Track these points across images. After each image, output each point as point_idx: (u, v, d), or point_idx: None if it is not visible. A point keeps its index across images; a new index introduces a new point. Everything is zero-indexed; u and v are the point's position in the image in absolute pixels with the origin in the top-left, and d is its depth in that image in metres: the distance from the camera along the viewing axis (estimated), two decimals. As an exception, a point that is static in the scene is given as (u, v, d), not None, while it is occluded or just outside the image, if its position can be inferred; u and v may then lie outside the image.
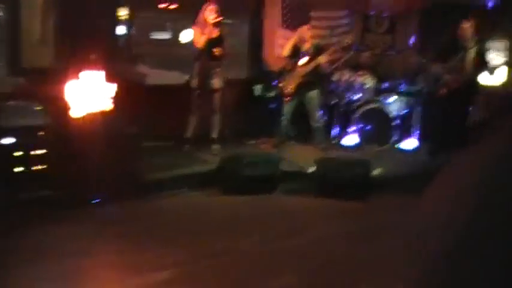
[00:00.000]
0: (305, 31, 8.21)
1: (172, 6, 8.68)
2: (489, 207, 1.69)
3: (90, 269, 4.35)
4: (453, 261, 1.85)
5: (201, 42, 7.17)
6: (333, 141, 8.55)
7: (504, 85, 8.94)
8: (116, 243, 4.81)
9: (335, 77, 8.78)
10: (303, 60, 7.99)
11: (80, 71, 5.49)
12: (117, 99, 5.73)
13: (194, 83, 7.34)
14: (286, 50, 8.29)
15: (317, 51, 8.06)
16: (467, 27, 7.29)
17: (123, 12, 7.79)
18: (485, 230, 1.78)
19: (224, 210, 5.99)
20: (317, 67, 7.98)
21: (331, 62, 8.61)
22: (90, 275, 4.31)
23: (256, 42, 9.33)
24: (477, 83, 7.64)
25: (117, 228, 5.17)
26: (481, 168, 1.94)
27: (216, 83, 7.37)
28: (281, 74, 8.01)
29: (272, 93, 8.54)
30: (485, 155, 1.99)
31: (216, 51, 7.23)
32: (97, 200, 5.65)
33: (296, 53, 8.07)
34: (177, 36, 8.78)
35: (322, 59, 7.88)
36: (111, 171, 5.74)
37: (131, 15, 8.04)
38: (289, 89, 7.92)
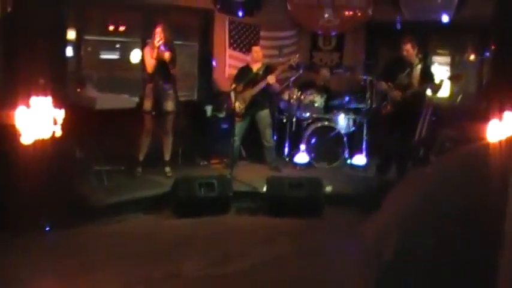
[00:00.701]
0: (257, 51, 8.33)
1: (121, 29, 8.66)
2: (408, 241, 1.82)
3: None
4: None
5: (150, 66, 7.16)
6: (285, 160, 8.64)
7: (449, 99, 9.24)
8: (58, 269, 4.71)
9: (285, 96, 8.90)
10: (253, 81, 8.07)
11: (29, 96, 5.41)
12: (66, 124, 5.66)
13: (147, 105, 7.29)
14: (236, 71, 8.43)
15: (267, 71, 8.17)
16: (410, 46, 7.50)
17: (71, 35, 7.74)
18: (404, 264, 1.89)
19: (175, 233, 5.94)
20: (267, 87, 8.09)
21: (281, 81, 8.75)
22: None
23: (206, 63, 9.37)
24: (423, 98, 7.86)
25: (64, 253, 5.11)
26: (406, 206, 2.03)
27: (169, 105, 7.34)
28: (231, 94, 8.05)
29: (223, 114, 8.59)
30: (411, 194, 2.09)
31: (172, 70, 7.22)
32: (46, 226, 5.56)
33: (246, 74, 8.16)
34: (126, 58, 8.78)
35: (271, 79, 7.99)
36: (61, 196, 5.66)
37: (79, 38, 7.99)
38: (239, 109, 7.98)
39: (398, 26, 9.26)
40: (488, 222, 1.82)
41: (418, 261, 1.91)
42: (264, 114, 8.26)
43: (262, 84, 8.06)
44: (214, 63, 9.36)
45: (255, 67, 8.25)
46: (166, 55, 7.08)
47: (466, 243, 1.83)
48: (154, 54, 7.08)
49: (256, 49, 8.41)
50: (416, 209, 2.05)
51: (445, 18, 8.95)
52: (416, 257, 1.91)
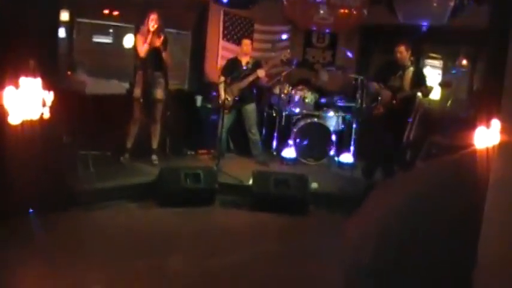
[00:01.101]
0: (246, 44, 8.30)
1: (115, 13, 8.59)
2: (389, 241, 1.82)
3: (16, 282, 4.24)
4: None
5: (143, 51, 7.11)
6: (272, 154, 8.64)
7: (439, 103, 9.27)
8: (40, 256, 4.68)
9: (276, 91, 8.89)
10: (241, 74, 8.05)
11: (18, 77, 5.35)
12: (54, 107, 5.61)
13: (137, 92, 7.25)
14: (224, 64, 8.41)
15: (256, 65, 8.17)
16: (404, 48, 7.51)
17: (63, 17, 7.66)
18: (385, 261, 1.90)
19: (159, 224, 5.92)
20: (255, 81, 8.08)
21: (272, 76, 8.75)
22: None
23: (198, 53, 9.33)
24: (414, 101, 7.90)
25: (48, 240, 5.07)
26: (387, 209, 2.04)
27: (159, 93, 7.32)
28: (220, 86, 8.02)
29: (213, 105, 8.57)
30: (393, 196, 2.10)
31: (165, 57, 7.18)
32: (30, 210, 5.52)
33: (235, 67, 8.13)
34: (119, 44, 8.71)
35: (261, 72, 7.99)
36: (46, 179, 5.62)
37: (72, 20, 7.91)
38: (227, 102, 7.95)
39: (392, 29, 9.28)
40: (471, 228, 1.82)
41: (397, 264, 1.91)
42: (251, 108, 8.27)
43: (251, 78, 8.06)
44: (207, 53, 9.32)
45: (244, 60, 8.25)
46: (159, 41, 7.06)
47: (447, 247, 1.84)
48: (148, 40, 7.05)
49: (246, 42, 8.38)
50: (397, 212, 2.05)
51: (439, 23, 8.96)
52: (395, 260, 1.92)
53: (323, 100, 9.19)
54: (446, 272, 1.82)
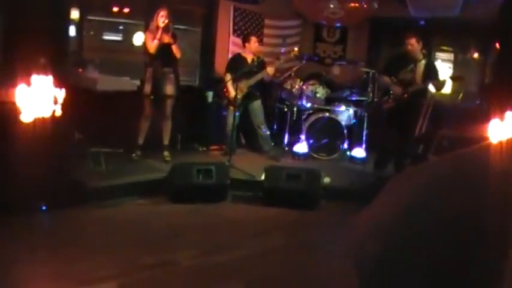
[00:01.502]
0: (255, 41, 8.28)
1: (125, 10, 8.61)
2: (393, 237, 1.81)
3: (27, 278, 4.26)
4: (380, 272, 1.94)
5: (153, 47, 7.12)
6: (284, 149, 8.63)
7: (450, 97, 9.22)
8: (52, 252, 4.68)
9: (287, 86, 8.88)
10: (249, 71, 8.04)
11: (29, 75, 5.38)
12: (66, 104, 5.64)
13: (147, 89, 7.26)
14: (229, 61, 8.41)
15: (262, 62, 8.17)
16: (415, 40, 7.46)
17: (73, 15, 7.69)
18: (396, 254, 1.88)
19: (171, 219, 5.91)
20: (262, 79, 8.09)
21: (283, 71, 8.74)
22: (25, 284, 4.22)
23: (208, 49, 9.34)
24: (425, 95, 7.85)
25: (59, 236, 5.09)
26: (396, 204, 2.02)
27: (169, 89, 7.32)
28: (228, 83, 8.03)
29: (224, 100, 8.58)
30: (403, 191, 2.08)
31: (175, 50, 7.19)
32: (43, 207, 5.56)
33: (240, 63, 8.14)
34: (128, 41, 8.74)
35: (271, 70, 8.01)
36: (58, 176, 5.66)
37: (82, 18, 7.94)
38: (236, 99, 7.93)
39: (403, 22, 9.24)
40: (483, 227, 1.79)
41: (404, 262, 1.89)
42: (257, 105, 8.29)
43: (260, 76, 8.06)
44: (217, 49, 9.33)
45: (249, 57, 8.24)
46: (168, 38, 7.08)
47: (455, 247, 1.81)
48: (158, 35, 7.05)
49: (254, 39, 8.33)
50: (407, 208, 2.03)
51: (450, 15, 8.91)
52: (401, 258, 1.90)
53: (334, 94, 9.17)
54: (449, 270, 1.79)
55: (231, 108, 7.99)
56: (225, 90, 8.12)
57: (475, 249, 1.71)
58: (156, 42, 7.08)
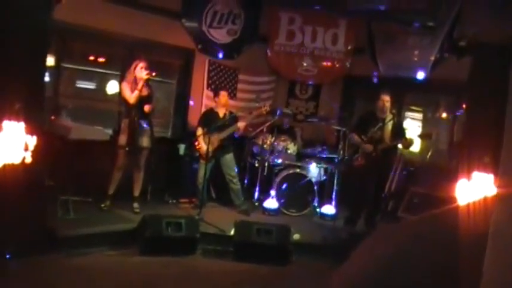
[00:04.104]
0: (224, 96, 8.37)
1: (101, 60, 8.65)
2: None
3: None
4: None
5: (132, 98, 7.13)
6: (254, 204, 8.61)
7: (420, 155, 9.38)
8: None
9: (258, 141, 8.94)
10: (220, 125, 8.11)
11: (1, 120, 5.32)
12: (37, 151, 5.57)
13: (122, 140, 7.23)
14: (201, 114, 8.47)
15: (233, 117, 8.28)
16: (386, 99, 7.65)
17: (49, 62, 7.68)
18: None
19: (140, 272, 5.79)
20: (233, 133, 8.17)
21: (255, 126, 8.82)
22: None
23: (182, 101, 9.39)
24: (395, 153, 7.99)
25: (24, 284, 4.95)
26: (374, 262, 2.05)
27: (145, 141, 7.30)
28: (199, 138, 8.06)
29: (196, 153, 8.58)
30: (379, 250, 2.11)
31: (147, 108, 7.22)
32: (7, 255, 5.41)
33: (212, 118, 8.20)
34: (103, 89, 8.75)
35: (241, 125, 8.17)
36: (26, 224, 5.53)
37: (58, 65, 7.94)
38: (205, 152, 7.94)
39: (375, 80, 9.47)
40: (451, 282, 1.83)
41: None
42: (230, 158, 8.31)
43: (231, 130, 8.16)
44: (191, 102, 9.39)
45: (221, 111, 8.31)
46: (147, 90, 7.14)
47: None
48: (139, 87, 7.09)
49: (223, 93, 8.41)
50: (381, 265, 2.05)
51: (420, 76, 9.17)
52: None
53: (305, 151, 9.26)
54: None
55: (202, 161, 8.00)
56: (196, 143, 8.13)
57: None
58: (136, 93, 7.10)
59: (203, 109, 9.33)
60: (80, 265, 5.70)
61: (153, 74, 7.16)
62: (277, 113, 8.91)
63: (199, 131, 8.10)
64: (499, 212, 1.91)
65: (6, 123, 5.34)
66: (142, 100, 7.17)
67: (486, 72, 5.98)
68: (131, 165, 7.37)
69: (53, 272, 5.41)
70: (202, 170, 7.96)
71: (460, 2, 7.79)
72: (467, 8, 7.99)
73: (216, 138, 8.06)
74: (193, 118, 9.32)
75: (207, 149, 7.79)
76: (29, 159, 5.51)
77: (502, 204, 1.91)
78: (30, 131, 5.52)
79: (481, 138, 6.06)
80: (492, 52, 5.88)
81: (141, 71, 7.13)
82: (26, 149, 5.51)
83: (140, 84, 7.09)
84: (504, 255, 1.80)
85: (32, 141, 5.55)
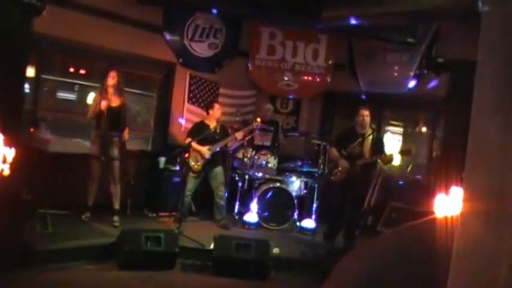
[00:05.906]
0: (218, 108, 8.39)
1: (82, 71, 8.61)
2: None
3: None
4: None
5: (103, 106, 7.09)
6: (234, 218, 8.60)
7: (401, 169, 9.45)
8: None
9: (239, 155, 8.95)
10: (211, 138, 8.12)
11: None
12: (15, 164, 5.51)
13: (92, 149, 7.22)
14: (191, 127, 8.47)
15: (224, 130, 8.28)
16: (366, 115, 7.71)
17: (29, 73, 7.63)
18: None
19: (118, 287, 5.76)
20: (225, 146, 8.18)
21: (234, 140, 8.84)
22: None
23: (163, 114, 9.37)
24: (374, 168, 8.04)
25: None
26: (355, 277, 2.06)
27: (115, 152, 7.28)
28: (186, 149, 8.01)
29: (176, 167, 8.55)
30: (360, 265, 2.13)
31: (125, 135, 7.22)
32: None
33: (203, 130, 8.19)
34: (83, 102, 8.69)
35: (239, 135, 8.26)
36: (2, 237, 5.46)
37: (37, 76, 7.88)
38: (197, 166, 7.97)
39: (363, 98, 9.56)
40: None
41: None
42: (219, 171, 8.29)
43: (228, 140, 8.27)
44: (171, 116, 9.38)
45: (212, 124, 8.30)
46: (117, 100, 7.12)
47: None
48: (105, 95, 7.07)
49: (217, 106, 8.46)
50: (360, 281, 2.06)
51: (399, 92, 9.27)
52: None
53: (286, 165, 9.28)
54: None
55: (192, 174, 7.98)
56: (186, 156, 8.07)
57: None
58: (104, 103, 7.07)
59: (184, 123, 9.33)
60: (57, 280, 5.62)
61: (114, 81, 7.10)
62: (257, 128, 8.86)
63: (187, 140, 8.05)
64: (463, 227, 1.94)
65: (-14, 136, 5.28)
66: (112, 111, 7.14)
67: (463, 89, 6.07)
68: (107, 177, 7.33)
69: (29, 286, 5.35)
70: (190, 184, 7.95)
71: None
72: (444, 25, 8.14)
73: (208, 150, 8.07)
74: (174, 131, 9.31)
75: (197, 162, 7.79)
76: (6, 172, 5.46)
77: (464, 219, 1.94)
78: (9, 143, 5.46)
79: (459, 153, 6.13)
80: (469, 69, 5.98)
81: (108, 79, 7.12)
82: (4, 162, 5.44)
83: (109, 92, 7.07)
84: (466, 271, 1.83)
85: (10, 153, 5.49)
